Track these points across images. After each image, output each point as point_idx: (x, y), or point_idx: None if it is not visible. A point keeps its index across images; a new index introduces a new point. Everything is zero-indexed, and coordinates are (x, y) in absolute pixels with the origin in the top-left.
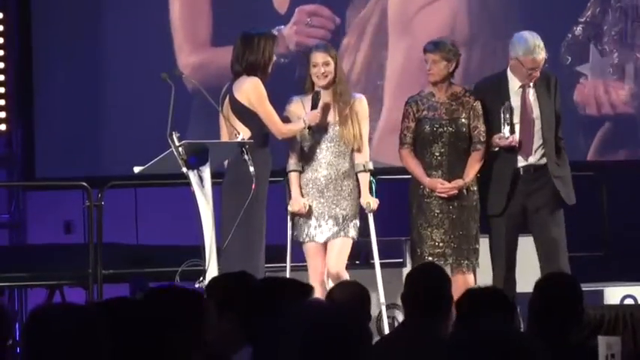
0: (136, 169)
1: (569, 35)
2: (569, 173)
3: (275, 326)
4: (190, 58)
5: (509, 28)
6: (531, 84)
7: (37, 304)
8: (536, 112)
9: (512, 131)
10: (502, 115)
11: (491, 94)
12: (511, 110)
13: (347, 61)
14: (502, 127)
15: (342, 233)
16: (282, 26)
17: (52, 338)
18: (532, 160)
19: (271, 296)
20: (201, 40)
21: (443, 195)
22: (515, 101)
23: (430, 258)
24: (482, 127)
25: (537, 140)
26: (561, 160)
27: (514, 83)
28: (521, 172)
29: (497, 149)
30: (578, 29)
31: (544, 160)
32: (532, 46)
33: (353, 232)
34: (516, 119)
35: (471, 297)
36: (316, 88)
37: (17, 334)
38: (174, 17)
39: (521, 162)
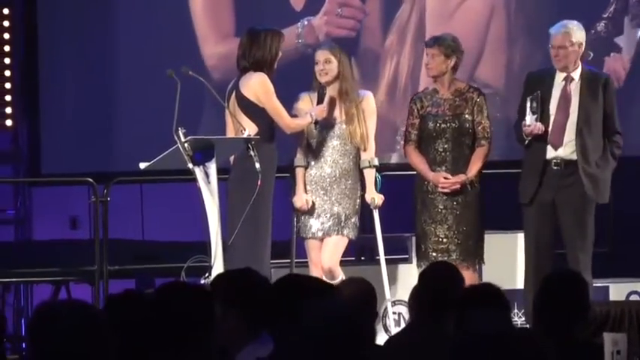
0: (142, 165)
1: (592, 31)
2: (606, 174)
3: (295, 325)
4: (217, 48)
5: (542, 25)
6: (576, 78)
7: (43, 300)
8: (573, 106)
9: (537, 120)
10: (529, 103)
11: (537, 85)
12: (540, 100)
13: (389, 63)
14: (526, 114)
15: (339, 231)
16: (312, 17)
17: (57, 335)
18: (561, 152)
19: (293, 295)
20: (226, 31)
21: (446, 190)
22: (557, 93)
23: (434, 254)
24: (486, 123)
25: (569, 134)
26: (603, 160)
27: (560, 75)
28: (552, 165)
29: (529, 138)
30: (601, 25)
31: (575, 156)
32: (558, 25)
33: (350, 231)
34: (553, 110)
35: (465, 294)
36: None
37: (23, 329)
38: (196, 9)
39: (550, 153)
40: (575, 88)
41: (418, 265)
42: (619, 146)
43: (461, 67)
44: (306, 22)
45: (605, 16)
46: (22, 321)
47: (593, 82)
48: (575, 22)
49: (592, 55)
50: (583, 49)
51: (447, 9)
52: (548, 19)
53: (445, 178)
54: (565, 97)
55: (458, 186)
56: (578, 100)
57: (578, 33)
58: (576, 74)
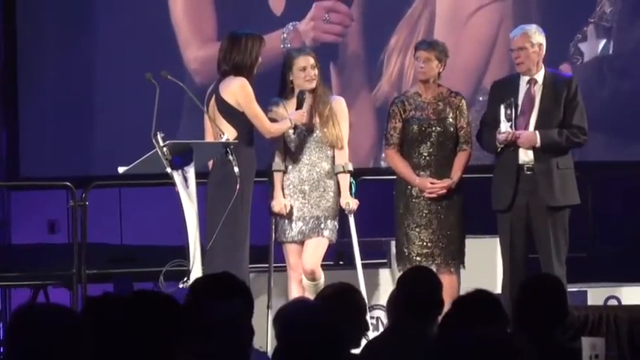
0: (121, 170)
1: (579, 35)
2: (564, 176)
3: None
4: (199, 53)
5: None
6: (540, 80)
7: (21, 303)
8: (535, 110)
9: (512, 127)
10: (504, 110)
11: (503, 92)
12: (514, 107)
13: (395, 60)
14: (501, 122)
15: (319, 233)
16: (297, 22)
17: (35, 339)
18: (532, 155)
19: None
20: (208, 35)
21: (433, 195)
22: (522, 97)
23: (418, 258)
24: (467, 127)
25: None
26: (564, 161)
27: (524, 79)
28: (525, 169)
29: (502, 145)
30: (590, 29)
31: (545, 157)
32: (516, 29)
33: (329, 233)
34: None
35: (460, 304)
36: (297, 90)
37: (1, 333)
38: (177, 13)
39: (522, 157)
40: (538, 90)
41: (400, 270)
42: (576, 135)
43: (467, 75)
44: (291, 27)
45: (592, 20)
46: (1, 325)
47: (556, 84)
48: (534, 25)
49: (580, 59)
50: (544, 50)
51: (459, 17)
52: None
53: (431, 183)
54: (529, 100)
55: (444, 191)
56: (538, 104)
57: (536, 34)
58: (539, 76)
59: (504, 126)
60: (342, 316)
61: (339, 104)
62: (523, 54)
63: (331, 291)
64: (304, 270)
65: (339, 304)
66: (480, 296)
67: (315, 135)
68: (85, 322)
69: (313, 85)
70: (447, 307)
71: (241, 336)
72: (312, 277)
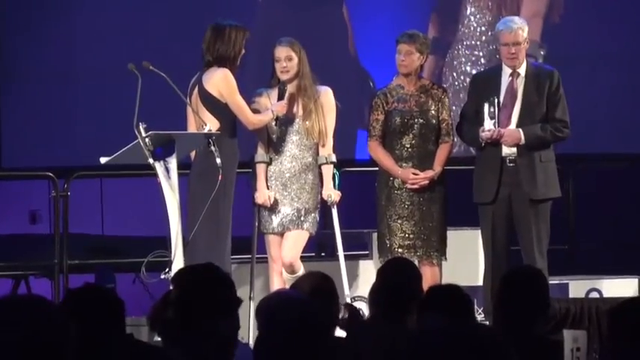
0: (103, 160)
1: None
2: (546, 168)
3: None
4: None
5: None
6: (522, 73)
7: (2, 294)
8: (518, 101)
9: (496, 125)
10: (487, 108)
11: (484, 85)
12: (497, 105)
13: None
14: (484, 119)
15: (299, 225)
16: None
17: (16, 329)
18: (515, 148)
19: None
20: None
21: (415, 186)
22: (504, 90)
23: (400, 250)
24: (449, 119)
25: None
26: (546, 154)
27: (507, 72)
28: (508, 162)
29: (485, 142)
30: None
31: (528, 150)
32: (507, 21)
33: (310, 226)
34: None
35: (429, 294)
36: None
37: None
38: None
39: (505, 150)
40: (520, 83)
41: (382, 261)
42: (559, 130)
43: None
44: None
45: None
46: None
47: (539, 76)
48: (518, 18)
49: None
50: (528, 43)
51: None
52: None
53: (414, 174)
54: (511, 92)
55: (427, 182)
56: (521, 96)
57: (526, 28)
58: (522, 69)
59: (488, 124)
60: (319, 303)
61: (326, 96)
62: (517, 49)
63: (307, 284)
64: (283, 263)
65: (315, 293)
66: (451, 290)
67: (297, 127)
68: (66, 313)
69: (285, 77)
70: None
71: (225, 329)
72: (290, 269)
